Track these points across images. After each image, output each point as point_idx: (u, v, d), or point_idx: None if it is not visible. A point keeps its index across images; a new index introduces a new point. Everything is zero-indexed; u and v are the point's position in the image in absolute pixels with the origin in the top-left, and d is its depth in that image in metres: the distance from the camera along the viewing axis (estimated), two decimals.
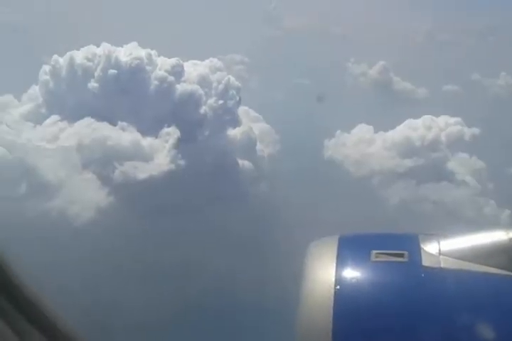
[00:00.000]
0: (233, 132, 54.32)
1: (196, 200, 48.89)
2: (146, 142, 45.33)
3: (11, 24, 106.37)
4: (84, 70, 47.36)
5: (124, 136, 44.76)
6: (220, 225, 49.37)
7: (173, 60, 48.53)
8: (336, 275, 2.09)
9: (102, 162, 43.85)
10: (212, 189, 50.53)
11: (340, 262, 2.13)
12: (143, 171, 43.72)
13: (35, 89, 50.07)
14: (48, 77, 48.52)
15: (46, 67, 48.72)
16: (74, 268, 36.29)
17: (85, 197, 41.19)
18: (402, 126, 56.15)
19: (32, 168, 42.21)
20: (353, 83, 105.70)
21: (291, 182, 58.63)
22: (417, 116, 59.01)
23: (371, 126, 59.40)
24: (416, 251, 2.19)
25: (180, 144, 45.31)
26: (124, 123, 44.98)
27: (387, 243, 2.25)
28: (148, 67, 47.39)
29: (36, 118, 47.97)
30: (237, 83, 53.19)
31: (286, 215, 53.15)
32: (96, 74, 46.92)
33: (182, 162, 45.74)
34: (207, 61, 53.25)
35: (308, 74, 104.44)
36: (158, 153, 45.21)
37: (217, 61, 53.29)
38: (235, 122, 53.03)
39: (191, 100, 47.89)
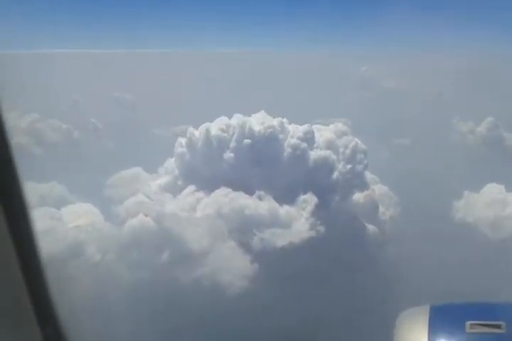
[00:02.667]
0: (357, 196, 54.52)
1: (329, 267, 48.89)
2: (283, 210, 46.31)
3: (128, 101, 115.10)
4: (220, 141, 49.85)
5: (261, 204, 45.99)
6: (349, 291, 48.86)
7: (305, 127, 50.23)
8: None
9: (241, 230, 45.06)
10: (343, 255, 50.39)
11: (433, 334, 2.03)
12: (282, 238, 44.37)
13: (170, 162, 52.91)
14: (184, 149, 51.33)
15: (182, 140, 51.64)
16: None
17: (231, 264, 42.18)
18: None
19: (177, 236, 44.02)
20: (461, 141, 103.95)
21: (421, 245, 57.27)
22: None
23: (502, 186, 57.47)
24: None
25: (316, 210, 45.89)
26: (261, 192, 46.37)
27: (483, 313, 2.09)
28: (281, 135, 49.16)
29: (174, 189, 50.42)
30: (363, 146, 53.84)
31: (419, 282, 51.43)
32: (231, 144, 49.17)
33: (320, 228, 46.07)
34: (332, 126, 54.59)
35: (409, 134, 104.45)
36: (296, 221, 45.90)
37: (342, 125, 54.47)
38: (364, 186, 53.29)
39: (324, 166, 48.86)
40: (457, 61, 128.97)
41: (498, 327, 2.01)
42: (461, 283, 48.44)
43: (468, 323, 2.07)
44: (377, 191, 60.04)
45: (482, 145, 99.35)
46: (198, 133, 51.07)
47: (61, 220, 42.63)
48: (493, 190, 58.33)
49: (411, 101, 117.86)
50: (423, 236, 58.39)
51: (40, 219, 40.70)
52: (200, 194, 49.22)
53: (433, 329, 2.04)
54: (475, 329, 2.02)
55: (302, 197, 46.61)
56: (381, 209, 59.62)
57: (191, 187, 49.70)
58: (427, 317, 2.10)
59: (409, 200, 63.68)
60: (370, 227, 56.00)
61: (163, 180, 51.84)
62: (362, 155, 53.03)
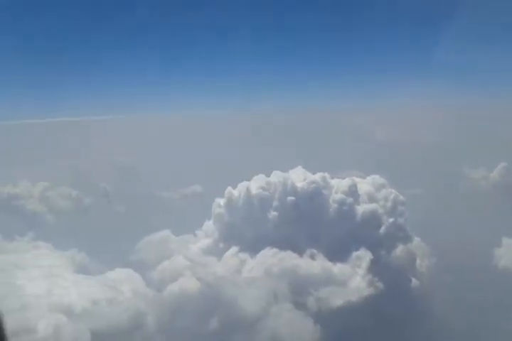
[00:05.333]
0: (400, 249, 53.85)
1: (380, 322, 47.68)
2: (337, 268, 45.35)
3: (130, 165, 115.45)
4: (261, 199, 49.30)
5: (313, 263, 45.04)
6: None
7: (347, 180, 50.05)
8: None
9: (295, 291, 43.83)
10: (393, 310, 49.23)
11: None
12: (339, 297, 43.20)
13: (208, 224, 52.11)
14: (222, 210, 50.65)
15: (220, 201, 51.03)
16: None
17: (292, 327, 40.64)
18: None
19: (227, 300, 42.46)
20: (475, 188, 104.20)
21: (466, 297, 56.00)
22: None
23: None
24: None
25: (371, 266, 45.07)
26: (313, 250, 45.48)
27: None
28: (324, 191, 48.86)
29: (216, 251, 49.36)
30: (402, 198, 53.61)
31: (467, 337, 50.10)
32: (274, 202, 48.65)
33: (377, 284, 45.07)
34: (368, 178, 54.54)
35: (419, 183, 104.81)
36: (352, 278, 44.88)
37: (379, 178, 54.41)
38: (408, 238, 52.63)
39: (372, 220, 48.41)
40: (448, 111, 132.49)
41: None
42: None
43: None
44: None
45: (497, 191, 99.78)
46: (237, 192, 50.58)
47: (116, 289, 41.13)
48: None
49: (413, 151, 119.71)
50: (464, 287, 57.34)
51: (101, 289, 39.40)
52: (244, 255, 48.17)
53: None
54: None
55: (355, 254, 45.82)
56: (418, 261, 58.85)
57: (234, 249, 48.68)
58: None
59: (443, 250, 63.07)
60: (413, 280, 55.06)
61: (204, 242, 50.85)
62: (402, 207, 52.74)
